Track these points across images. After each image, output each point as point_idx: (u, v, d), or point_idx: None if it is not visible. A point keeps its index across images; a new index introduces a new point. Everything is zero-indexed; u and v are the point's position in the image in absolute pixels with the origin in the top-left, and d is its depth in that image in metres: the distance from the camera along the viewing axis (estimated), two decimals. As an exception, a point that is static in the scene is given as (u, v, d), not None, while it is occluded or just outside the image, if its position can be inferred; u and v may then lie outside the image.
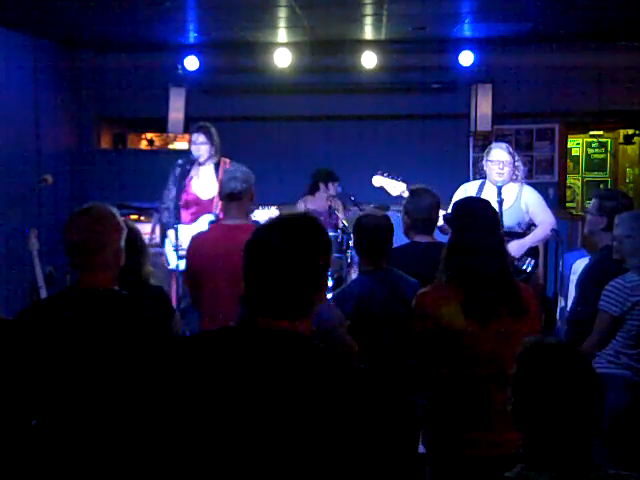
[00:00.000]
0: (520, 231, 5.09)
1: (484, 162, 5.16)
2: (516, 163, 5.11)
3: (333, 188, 7.01)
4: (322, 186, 7.06)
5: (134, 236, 3.35)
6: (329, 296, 3.83)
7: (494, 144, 5.29)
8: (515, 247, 4.93)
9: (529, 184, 5.37)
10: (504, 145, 5.21)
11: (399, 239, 3.98)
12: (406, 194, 4.84)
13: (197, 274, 3.96)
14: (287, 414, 1.58)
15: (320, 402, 1.58)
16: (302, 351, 1.66)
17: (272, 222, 1.76)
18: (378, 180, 5.06)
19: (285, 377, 1.61)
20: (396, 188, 4.93)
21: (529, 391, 1.77)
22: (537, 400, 1.76)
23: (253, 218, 4.81)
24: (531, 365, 1.79)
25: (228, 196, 4.00)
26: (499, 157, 5.06)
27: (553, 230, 5.12)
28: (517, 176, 5.11)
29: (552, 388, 1.74)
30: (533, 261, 5.08)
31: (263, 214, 4.91)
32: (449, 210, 3.42)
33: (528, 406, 1.77)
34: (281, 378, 1.61)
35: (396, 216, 4.11)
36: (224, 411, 1.61)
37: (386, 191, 4.99)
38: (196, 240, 4.10)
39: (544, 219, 5.12)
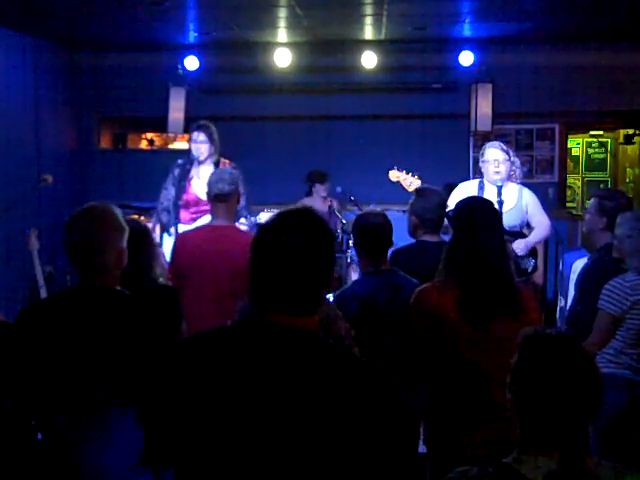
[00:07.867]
0: (519, 230, 5.12)
1: (480, 163, 5.18)
2: (512, 159, 5.12)
3: (323, 189, 7.04)
4: (313, 187, 7.13)
5: (144, 235, 3.33)
6: (329, 296, 3.82)
7: (487, 144, 5.29)
8: (521, 245, 4.98)
9: (529, 184, 5.39)
10: (497, 143, 5.22)
11: (400, 239, 3.99)
12: None
13: (180, 273, 4.01)
14: (295, 408, 1.58)
15: (328, 396, 1.58)
16: (311, 347, 1.66)
17: (275, 218, 1.75)
18: (394, 175, 5.11)
19: (295, 373, 1.61)
20: (412, 184, 5.00)
21: (528, 376, 1.79)
22: (535, 385, 1.77)
23: (258, 221, 4.88)
24: (531, 351, 1.81)
25: (216, 197, 4.10)
26: (494, 156, 5.07)
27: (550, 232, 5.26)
28: (515, 172, 5.13)
29: (550, 373, 1.76)
30: (533, 261, 5.11)
31: (268, 217, 4.93)
32: (451, 207, 3.43)
33: (525, 391, 1.79)
34: (291, 374, 1.61)
35: (395, 216, 4.13)
36: (232, 406, 1.61)
37: (402, 186, 5.02)
38: (181, 239, 4.18)
39: (542, 220, 5.17)
